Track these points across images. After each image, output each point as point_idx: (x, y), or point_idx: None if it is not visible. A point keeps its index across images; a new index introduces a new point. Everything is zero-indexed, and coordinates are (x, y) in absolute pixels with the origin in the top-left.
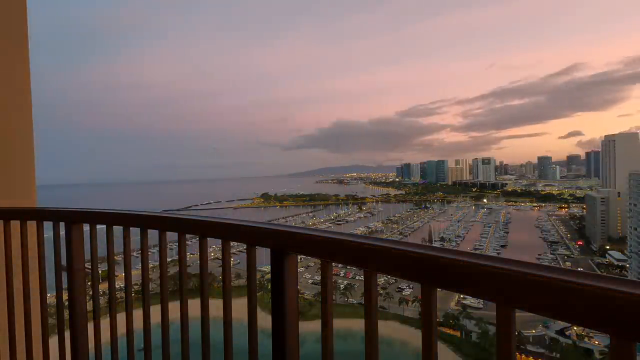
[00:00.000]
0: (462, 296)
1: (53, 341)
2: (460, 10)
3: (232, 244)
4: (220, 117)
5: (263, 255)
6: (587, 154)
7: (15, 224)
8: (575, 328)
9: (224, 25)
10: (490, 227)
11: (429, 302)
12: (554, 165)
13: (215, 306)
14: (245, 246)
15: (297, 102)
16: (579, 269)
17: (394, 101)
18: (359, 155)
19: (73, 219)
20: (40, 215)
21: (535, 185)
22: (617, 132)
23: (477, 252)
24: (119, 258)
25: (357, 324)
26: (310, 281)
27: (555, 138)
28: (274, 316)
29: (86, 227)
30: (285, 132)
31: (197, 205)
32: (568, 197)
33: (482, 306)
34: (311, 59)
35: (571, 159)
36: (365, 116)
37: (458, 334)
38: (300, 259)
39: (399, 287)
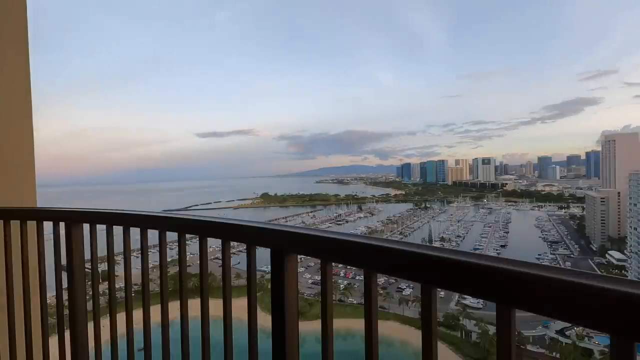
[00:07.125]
0: (462, 296)
1: (53, 341)
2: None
3: (232, 244)
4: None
5: (263, 255)
6: (587, 154)
7: (15, 224)
8: (575, 328)
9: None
10: (490, 227)
11: (429, 302)
12: (554, 165)
13: (216, 306)
14: (245, 246)
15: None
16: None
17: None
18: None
19: (73, 219)
20: (40, 215)
21: (535, 185)
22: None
23: (477, 252)
24: (119, 258)
25: (357, 324)
26: (310, 281)
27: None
28: (274, 316)
29: (86, 227)
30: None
31: (197, 205)
32: (568, 197)
33: (482, 306)
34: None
35: (571, 159)
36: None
37: (458, 334)
38: (300, 259)
39: (399, 287)
